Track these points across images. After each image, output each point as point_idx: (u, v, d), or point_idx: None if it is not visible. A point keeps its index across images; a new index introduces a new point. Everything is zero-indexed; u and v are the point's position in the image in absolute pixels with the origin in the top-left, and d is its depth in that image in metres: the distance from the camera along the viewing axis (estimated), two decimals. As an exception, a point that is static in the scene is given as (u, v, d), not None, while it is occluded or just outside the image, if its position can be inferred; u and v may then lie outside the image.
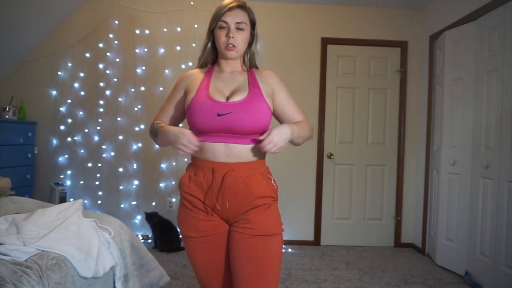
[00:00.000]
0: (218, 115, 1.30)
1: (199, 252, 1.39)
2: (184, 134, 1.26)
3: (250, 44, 1.46)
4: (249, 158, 1.34)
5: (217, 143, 1.32)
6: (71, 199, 3.66)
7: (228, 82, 1.42)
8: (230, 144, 1.32)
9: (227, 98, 1.35)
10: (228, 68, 1.45)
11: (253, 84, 1.40)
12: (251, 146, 1.34)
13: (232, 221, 1.37)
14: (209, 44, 1.46)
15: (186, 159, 3.74)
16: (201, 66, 1.50)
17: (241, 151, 1.33)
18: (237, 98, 1.34)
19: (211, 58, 1.49)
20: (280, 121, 1.47)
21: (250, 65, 1.50)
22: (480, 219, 2.93)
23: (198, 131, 1.33)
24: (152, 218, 3.52)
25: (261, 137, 1.27)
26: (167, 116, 1.50)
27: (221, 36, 1.39)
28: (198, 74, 1.46)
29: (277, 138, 1.26)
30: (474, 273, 2.94)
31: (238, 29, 1.38)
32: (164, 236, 3.50)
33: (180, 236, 3.65)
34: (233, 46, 1.38)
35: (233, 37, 1.37)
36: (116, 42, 3.79)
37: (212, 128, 1.31)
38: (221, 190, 1.31)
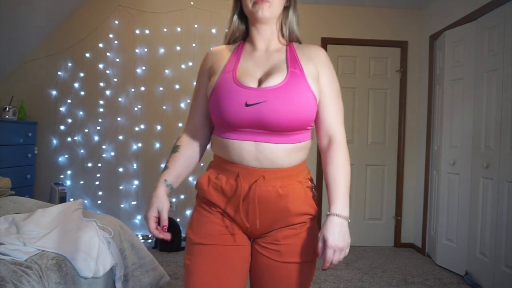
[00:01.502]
0: (247, 105, 0.99)
1: (204, 264, 1.07)
2: (148, 219, 1.09)
3: (286, 8, 1.13)
4: (286, 163, 1.04)
5: (245, 141, 1.02)
6: (71, 199, 3.67)
7: (261, 62, 1.09)
8: (261, 144, 1.02)
9: (259, 83, 1.04)
10: (262, 43, 1.12)
11: (292, 62, 1.06)
12: (290, 146, 1.03)
13: (256, 235, 1.10)
14: (235, 16, 1.15)
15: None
16: (228, 42, 1.18)
17: (276, 154, 1.02)
18: (272, 82, 1.02)
19: (241, 32, 1.17)
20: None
21: (290, 38, 1.15)
22: (480, 219, 2.93)
23: (221, 125, 1.06)
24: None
25: (319, 255, 1.01)
26: (200, 116, 1.17)
27: None
28: (225, 52, 1.15)
29: (337, 256, 0.99)
30: (474, 273, 2.94)
31: None
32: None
33: (183, 236, 3.67)
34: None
35: None
36: (116, 42, 3.79)
37: (239, 122, 1.01)
38: (247, 202, 1.04)
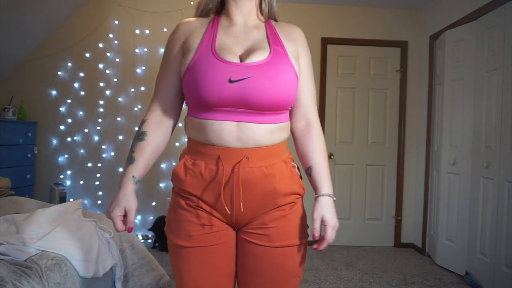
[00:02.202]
0: (230, 81, 0.93)
1: (190, 268, 1.01)
2: (114, 217, 0.99)
3: None
4: (268, 141, 0.99)
5: (226, 121, 0.96)
6: (71, 199, 3.66)
7: (241, 38, 1.03)
8: (244, 124, 0.96)
9: (241, 59, 0.98)
10: (240, 18, 1.06)
11: (274, 40, 1.02)
12: (273, 126, 0.99)
13: (242, 224, 1.03)
14: None
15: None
16: (200, 14, 1.12)
17: (259, 134, 0.97)
18: (255, 59, 0.96)
19: (215, 3, 1.10)
20: None
21: (269, 15, 1.11)
22: (480, 219, 2.93)
23: (198, 105, 0.98)
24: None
25: (316, 238, 1.00)
26: (170, 94, 1.07)
27: None
28: (198, 25, 1.07)
29: (334, 234, 1.02)
30: (474, 273, 2.94)
31: None
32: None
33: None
34: None
35: None
36: (116, 42, 3.79)
37: (220, 100, 0.94)
38: (230, 187, 0.97)
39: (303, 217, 1.06)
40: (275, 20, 1.12)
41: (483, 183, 2.92)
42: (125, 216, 1.01)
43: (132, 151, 1.05)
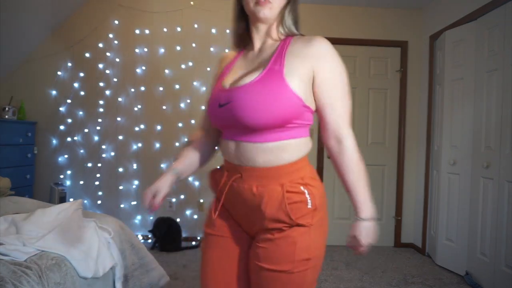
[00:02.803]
0: (220, 105, 1.03)
1: (211, 257, 1.12)
2: (145, 194, 1.13)
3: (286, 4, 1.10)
4: (265, 162, 1.01)
5: (229, 140, 1.07)
6: (71, 199, 3.66)
7: (250, 62, 1.09)
8: (240, 142, 1.03)
9: (235, 82, 1.05)
10: (258, 42, 1.11)
11: (277, 58, 1.02)
12: (268, 145, 1.00)
13: (250, 233, 1.11)
14: (237, 14, 1.12)
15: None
16: (234, 43, 1.18)
17: (252, 152, 1.01)
18: (245, 80, 1.01)
19: (242, 29, 1.15)
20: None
21: (289, 33, 1.10)
22: (480, 219, 2.93)
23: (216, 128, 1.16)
24: (166, 222, 3.54)
25: (350, 245, 1.08)
26: (207, 119, 1.21)
27: None
28: (230, 58, 1.19)
29: (367, 249, 1.08)
30: (474, 273, 2.94)
31: None
32: (167, 235, 3.50)
33: (183, 236, 3.68)
34: (266, 0, 1.02)
35: None
36: (116, 42, 3.79)
37: (217, 123, 1.08)
38: (226, 196, 1.09)
39: (293, 245, 1.00)
40: (301, 35, 1.11)
41: (483, 183, 2.92)
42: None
43: (178, 154, 1.24)
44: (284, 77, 0.97)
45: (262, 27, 1.09)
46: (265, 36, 1.10)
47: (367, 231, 1.05)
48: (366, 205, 1.06)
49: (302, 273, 1.02)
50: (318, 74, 1.02)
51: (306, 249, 1.01)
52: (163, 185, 1.13)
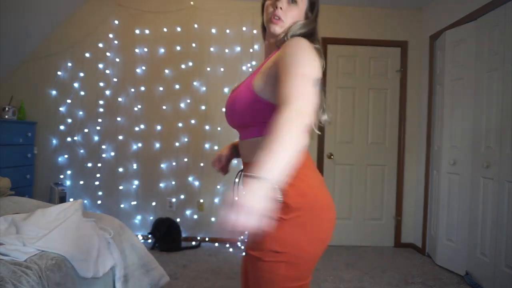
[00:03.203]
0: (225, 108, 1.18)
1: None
2: (212, 162, 1.36)
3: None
4: (248, 157, 1.09)
5: (241, 140, 1.20)
6: (71, 199, 3.66)
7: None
8: (239, 141, 1.19)
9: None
10: (268, 51, 1.20)
11: (263, 63, 1.11)
12: (250, 141, 1.09)
13: None
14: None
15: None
16: (263, 38, 1.28)
17: (242, 149, 1.16)
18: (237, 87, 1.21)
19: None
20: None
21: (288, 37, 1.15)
22: (480, 219, 2.93)
23: None
24: (165, 222, 3.53)
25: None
26: None
27: (268, 6, 1.15)
28: None
29: (236, 216, 0.76)
30: (474, 273, 2.94)
31: (292, 1, 1.15)
32: (167, 235, 3.50)
33: (183, 236, 3.67)
34: (279, 18, 1.10)
35: (281, 8, 1.11)
36: (116, 42, 3.79)
37: (230, 126, 1.20)
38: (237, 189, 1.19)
39: (270, 236, 0.97)
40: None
41: (483, 183, 2.92)
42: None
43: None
44: (253, 76, 1.08)
45: (272, 35, 1.17)
46: (271, 45, 1.18)
47: (253, 190, 0.78)
48: (266, 165, 0.80)
49: (274, 264, 0.99)
50: (279, 61, 0.99)
51: (276, 241, 0.99)
52: (225, 152, 1.33)
